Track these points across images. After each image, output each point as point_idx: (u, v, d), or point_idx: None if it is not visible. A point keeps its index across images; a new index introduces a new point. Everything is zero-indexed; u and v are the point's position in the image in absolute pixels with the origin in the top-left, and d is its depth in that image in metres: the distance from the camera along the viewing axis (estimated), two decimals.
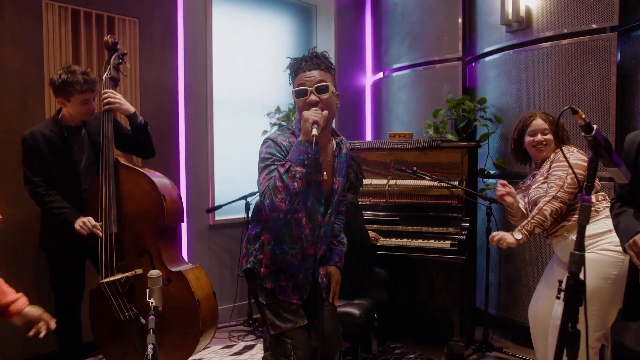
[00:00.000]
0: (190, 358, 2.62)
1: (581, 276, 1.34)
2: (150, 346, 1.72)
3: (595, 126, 1.36)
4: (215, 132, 3.92)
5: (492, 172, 3.61)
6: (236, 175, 4.05)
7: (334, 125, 2.24)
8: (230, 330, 3.78)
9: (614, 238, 2.21)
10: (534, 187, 2.43)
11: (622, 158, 1.75)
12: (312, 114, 1.72)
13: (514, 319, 3.47)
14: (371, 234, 3.17)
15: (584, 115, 1.35)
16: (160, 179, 2.61)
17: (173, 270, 2.53)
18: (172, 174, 3.44)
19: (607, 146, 1.38)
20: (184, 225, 3.59)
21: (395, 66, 4.30)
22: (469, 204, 3.22)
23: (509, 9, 3.37)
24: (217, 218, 3.93)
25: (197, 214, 3.79)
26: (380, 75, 4.56)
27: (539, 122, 2.46)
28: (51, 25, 3.04)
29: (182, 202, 2.73)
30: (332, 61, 1.93)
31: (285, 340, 1.88)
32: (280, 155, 1.78)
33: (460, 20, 3.78)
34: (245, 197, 3.73)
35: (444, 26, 3.88)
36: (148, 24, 3.49)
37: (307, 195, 1.85)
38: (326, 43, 4.55)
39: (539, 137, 2.43)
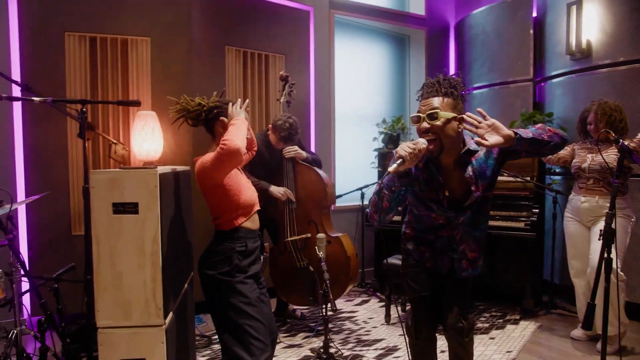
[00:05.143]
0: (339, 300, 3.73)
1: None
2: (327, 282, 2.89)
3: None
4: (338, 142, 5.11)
5: (557, 170, 4.51)
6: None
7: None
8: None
9: None
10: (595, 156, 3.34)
11: None
12: (401, 148, 1.79)
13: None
14: None
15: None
16: (323, 173, 3.76)
17: (332, 235, 3.68)
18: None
19: None
20: None
21: (475, 85, 5.28)
22: (538, 194, 4.19)
23: (573, 41, 4.30)
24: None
25: None
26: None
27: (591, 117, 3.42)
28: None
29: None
30: (456, 83, 1.92)
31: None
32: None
33: (531, 48, 4.72)
34: (360, 189, 4.89)
35: (516, 52, 4.83)
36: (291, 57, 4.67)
37: (430, 213, 2.08)
38: (418, 65, 5.63)
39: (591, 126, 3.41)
